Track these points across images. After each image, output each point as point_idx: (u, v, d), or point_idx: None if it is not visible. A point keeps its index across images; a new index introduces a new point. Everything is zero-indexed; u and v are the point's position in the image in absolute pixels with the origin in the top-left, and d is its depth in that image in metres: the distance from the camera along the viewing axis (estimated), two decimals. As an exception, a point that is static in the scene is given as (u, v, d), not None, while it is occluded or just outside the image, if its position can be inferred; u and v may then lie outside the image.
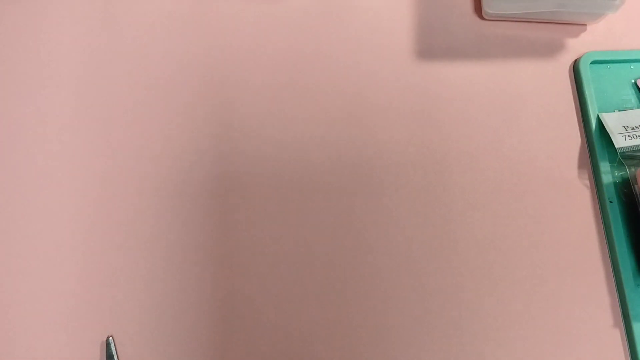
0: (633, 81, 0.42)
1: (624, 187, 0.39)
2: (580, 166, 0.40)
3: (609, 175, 0.39)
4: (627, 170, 0.39)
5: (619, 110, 0.41)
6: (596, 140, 0.40)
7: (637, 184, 0.38)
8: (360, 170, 0.38)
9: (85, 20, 0.40)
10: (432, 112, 0.40)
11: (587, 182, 0.40)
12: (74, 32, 0.39)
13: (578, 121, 0.41)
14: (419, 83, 0.41)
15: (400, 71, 0.41)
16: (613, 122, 0.39)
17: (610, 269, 0.38)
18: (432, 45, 0.42)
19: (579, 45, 0.43)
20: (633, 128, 0.39)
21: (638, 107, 0.41)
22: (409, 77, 0.41)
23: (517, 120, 0.41)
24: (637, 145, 0.38)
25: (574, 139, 0.41)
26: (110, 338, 0.34)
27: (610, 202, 0.38)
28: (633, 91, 0.42)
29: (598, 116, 0.40)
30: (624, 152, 0.39)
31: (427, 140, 0.39)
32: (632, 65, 0.43)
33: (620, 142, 0.38)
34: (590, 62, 0.41)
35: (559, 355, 0.36)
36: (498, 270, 0.37)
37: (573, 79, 0.42)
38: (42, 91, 0.38)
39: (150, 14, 0.40)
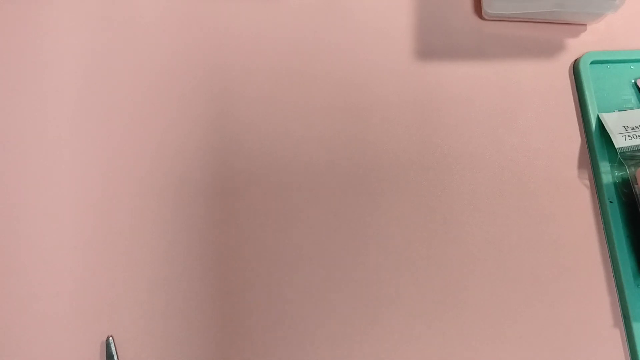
0: (633, 81, 0.42)
1: (624, 187, 0.39)
2: (580, 166, 0.40)
3: (609, 175, 0.39)
4: (627, 170, 0.39)
5: (619, 110, 0.41)
6: (596, 140, 0.40)
7: (637, 184, 0.38)
8: (360, 169, 0.38)
9: (84, 19, 0.40)
10: (432, 112, 0.40)
11: (587, 182, 0.40)
12: (74, 31, 0.39)
13: (578, 121, 0.41)
14: (419, 83, 0.41)
15: (400, 71, 0.41)
16: (613, 122, 0.39)
17: (610, 269, 0.38)
18: (432, 45, 0.42)
19: (579, 45, 0.43)
20: (633, 128, 0.39)
21: (638, 107, 0.41)
22: (409, 77, 0.41)
23: (517, 120, 0.41)
24: (637, 145, 0.38)
25: (574, 139, 0.41)
26: (110, 338, 0.34)
27: (610, 202, 0.38)
28: (633, 91, 0.42)
29: (598, 116, 0.40)
30: (624, 152, 0.39)
31: (427, 140, 0.39)
32: (632, 65, 0.43)
33: (620, 142, 0.38)
34: (590, 62, 0.41)
35: (559, 356, 0.36)
36: (498, 270, 0.37)
37: (573, 79, 0.42)
38: (41, 91, 0.38)
39: (150, 13, 0.40)
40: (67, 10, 0.40)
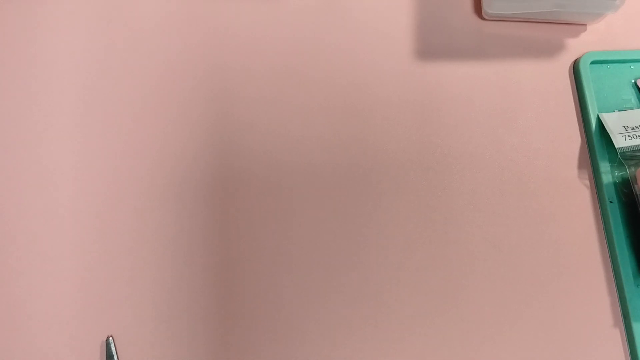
0: (633, 81, 0.42)
1: (624, 187, 0.39)
2: (580, 166, 0.40)
3: (609, 175, 0.39)
4: (627, 170, 0.39)
5: (619, 110, 0.41)
6: (596, 140, 0.40)
7: (637, 184, 0.38)
8: (360, 169, 0.38)
9: (84, 20, 0.40)
10: (432, 112, 0.40)
11: (587, 182, 0.40)
12: (73, 32, 0.39)
13: (578, 121, 0.41)
14: (419, 83, 0.41)
15: (400, 71, 0.41)
16: (613, 122, 0.39)
17: (610, 269, 0.38)
18: (432, 45, 0.42)
19: (579, 45, 0.43)
20: (633, 128, 0.39)
21: (638, 107, 0.41)
22: (409, 77, 0.41)
23: (517, 120, 0.41)
24: (637, 145, 0.38)
25: (574, 139, 0.41)
26: (110, 338, 0.34)
27: (610, 202, 0.38)
28: (633, 91, 0.42)
29: (598, 116, 0.40)
30: (624, 152, 0.39)
31: (427, 140, 0.39)
32: (632, 65, 0.43)
33: (620, 142, 0.38)
34: (590, 62, 0.41)
35: (559, 356, 0.36)
36: (498, 270, 0.37)
37: (573, 79, 0.42)
38: (42, 92, 0.38)
39: (150, 13, 0.40)
40: (67, 11, 0.40)
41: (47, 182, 0.36)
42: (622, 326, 0.37)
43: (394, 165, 0.39)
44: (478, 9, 0.43)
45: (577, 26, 0.44)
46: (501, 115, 0.41)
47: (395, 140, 0.39)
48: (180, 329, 0.34)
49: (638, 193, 0.38)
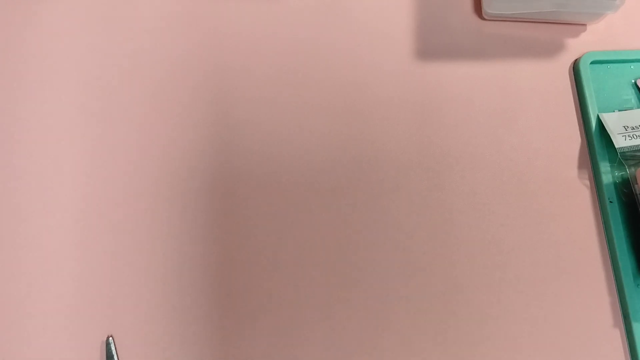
0: (633, 81, 0.42)
1: (624, 187, 0.39)
2: (580, 166, 0.40)
3: (609, 175, 0.39)
4: (627, 170, 0.39)
5: (619, 110, 0.41)
6: (596, 140, 0.40)
7: (637, 184, 0.38)
8: (360, 169, 0.38)
9: (84, 20, 0.40)
10: (432, 112, 0.40)
11: (587, 182, 0.40)
12: (73, 33, 0.39)
13: (578, 121, 0.41)
14: (419, 83, 0.41)
15: (400, 71, 0.41)
16: (613, 122, 0.39)
17: (610, 269, 0.38)
18: (432, 45, 0.42)
19: (579, 45, 0.43)
20: (633, 128, 0.39)
21: (638, 107, 0.41)
22: (409, 77, 0.41)
23: (517, 120, 0.41)
24: (637, 145, 0.38)
25: (574, 139, 0.41)
26: (110, 338, 0.34)
27: (610, 202, 0.38)
28: (633, 91, 0.42)
29: (598, 116, 0.40)
30: (624, 152, 0.39)
31: (426, 140, 0.39)
32: (632, 65, 0.43)
33: (620, 142, 0.38)
34: (590, 62, 0.41)
35: (559, 356, 0.36)
36: (498, 270, 0.37)
37: (573, 79, 0.42)
38: (42, 94, 0.38)
39: (151, 14, 0.40)
40: (67, 12, 0.40)
41: (47, 182, 0.36)
42: (622, 326, 0.37)
43: (394, 164, 0.39)
44: (478, 9, 0.43)
45: (577, 26, 0.44)
46: (501, 115, 0.41)
47: (395, 140, 0.39)
48: (181, 329, 0.34)
49: (638, 193, 0.38)
